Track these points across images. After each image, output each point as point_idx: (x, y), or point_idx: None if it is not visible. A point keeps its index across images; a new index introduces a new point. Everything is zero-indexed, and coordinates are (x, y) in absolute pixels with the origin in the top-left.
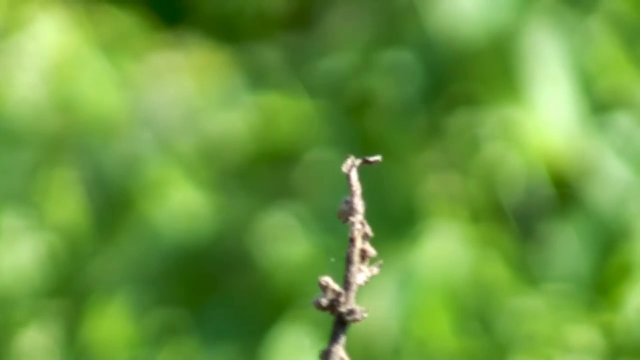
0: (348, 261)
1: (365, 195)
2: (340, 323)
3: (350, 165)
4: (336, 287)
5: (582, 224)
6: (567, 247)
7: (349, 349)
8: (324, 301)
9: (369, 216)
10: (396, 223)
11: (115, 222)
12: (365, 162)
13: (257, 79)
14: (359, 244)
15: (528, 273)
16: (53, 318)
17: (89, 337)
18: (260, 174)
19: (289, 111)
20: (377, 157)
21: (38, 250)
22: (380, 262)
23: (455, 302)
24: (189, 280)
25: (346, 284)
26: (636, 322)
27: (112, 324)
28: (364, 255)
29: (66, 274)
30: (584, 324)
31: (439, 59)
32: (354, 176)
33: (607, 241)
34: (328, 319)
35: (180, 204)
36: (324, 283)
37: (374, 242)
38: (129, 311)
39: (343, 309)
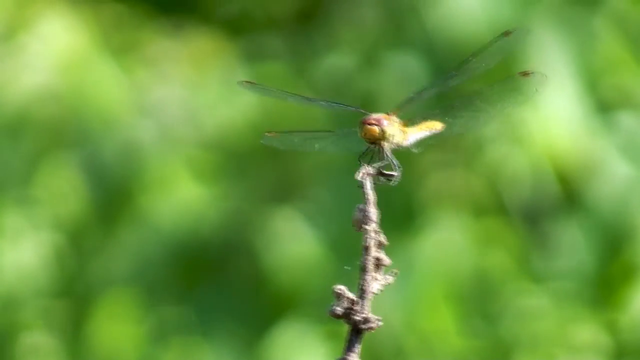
0: (363, 269)
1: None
2: (355, 331)
3: (364, 174)
4: (351, 295)
5: (587, 222)
6: (571, 244)
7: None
8: (339, 310)
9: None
10: (399, 217)
11: (117, 215)
12: (381, 174)
13: (259, 71)
14: (374, 252)
15: (532, 269)
16: (57, 318)
17: (93, 336)
18: (261, 166)
19: (291, 106)
20: (393, 172)
21: (41, 248)
22: (396, 270)
23: (457, 295)
24: (191, 272)
25: (361, 292)
26: None
27: (117, 322)
28: (378, 263)
29: (70, 273)
30: (589, 323)
31: (442, 58)
32: (368, 185)
33: (612, 240)
34: (329, 317)
35: (182, 196)
36: (338, 291)
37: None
38: (133, 308)
39: (358, 317)
